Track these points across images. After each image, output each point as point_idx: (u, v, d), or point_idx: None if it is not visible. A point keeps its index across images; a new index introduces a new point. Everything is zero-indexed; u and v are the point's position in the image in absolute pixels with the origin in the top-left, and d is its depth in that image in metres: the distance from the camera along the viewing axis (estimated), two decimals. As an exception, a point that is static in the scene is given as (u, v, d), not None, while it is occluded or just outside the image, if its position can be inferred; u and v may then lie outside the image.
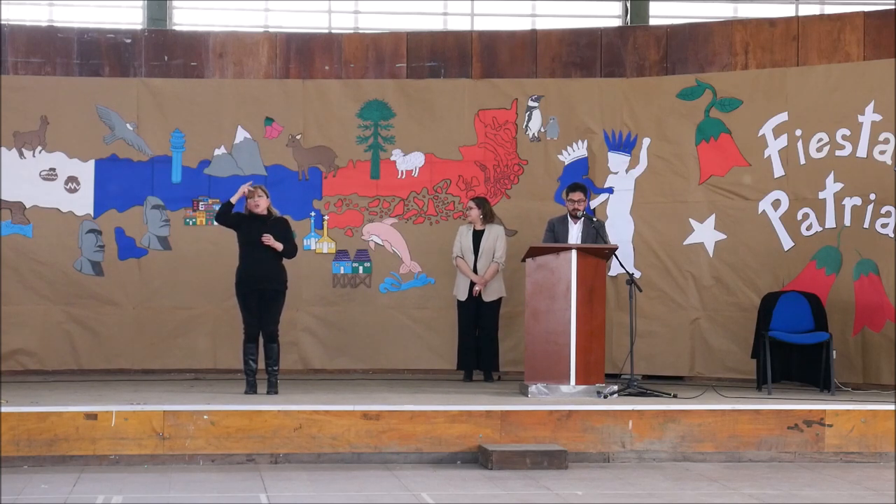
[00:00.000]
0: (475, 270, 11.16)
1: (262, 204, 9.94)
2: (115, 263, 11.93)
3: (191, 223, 12.02)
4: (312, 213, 12.08)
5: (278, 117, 12.10)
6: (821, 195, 11.26)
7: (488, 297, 11.18)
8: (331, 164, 12.12)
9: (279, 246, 9.84)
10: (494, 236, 11.25)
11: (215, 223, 10.23)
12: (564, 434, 8.75)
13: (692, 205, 11.73)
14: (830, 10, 13.26)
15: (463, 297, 11.20)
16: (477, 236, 11.23)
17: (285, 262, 10.00)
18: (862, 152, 11.08)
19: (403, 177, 12.16)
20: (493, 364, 11.29)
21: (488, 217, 11.31)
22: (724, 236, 11.63)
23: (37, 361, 11.79)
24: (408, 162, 12.16)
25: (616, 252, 10.27)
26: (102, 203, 11.96)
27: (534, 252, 9.98)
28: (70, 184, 11.93)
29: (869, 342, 10.94)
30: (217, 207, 11.71)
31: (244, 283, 9.90)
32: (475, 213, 11.27)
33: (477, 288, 11.12)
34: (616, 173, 11.96)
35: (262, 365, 9.94)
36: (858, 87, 11.13)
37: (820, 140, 11.29)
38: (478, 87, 12.14)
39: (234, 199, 9.94)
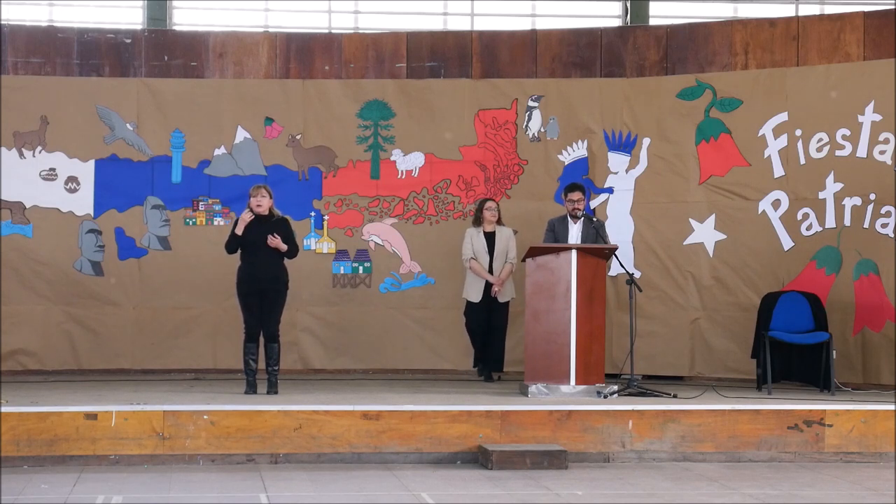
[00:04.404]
0: (490, 272, 11.14)
1: (264, 204, 9.93)
2: (115, 263, 11.93)
3: (191, 223, 12.02)
4: (312, 213, 12.08)
5: (278, 117, 12.10)
6: (821, 195, 11.26)
7: (504, 297, 11.17)
8: (331, 164, 12.12)
9: (284, 247, 9.85)
10: (506, 237, 11.23)
11: (228, 253, 10.12)
12: (564, 434, 8.75)
13: (692, 205, 11.74)
14: (830, 10, 13.27)
15: (476, 298, 11.16)
16: (488, 238, 11.21)
17: (286, 261, 10.00)
18: (862, 152, 11.08)
19: (403, 177, 12.16)
20: (500, 364, 11.29)
21: (500, 219, 11.30)
22: (724, 236, 11.63)
23: (37, 361, 11.80)
24: (408, 162, 12.16)
25: (616, 252, 10.27)
26: (102, 203, 11.96)
27: (534, 252, 9.98)
28: (70, 184, 11.93)
29: (869, 342, 10.94)
30: (217, 207, 11.72)
31: (246, 283, 9.90)
32: (496, 214, 11.23)
33: (496, 288, 11.08)
34: (616, 173, 11.96)
35: (262, 365, 9.94)
36: (858, 87, 11.14)
37: (820, 140, 11.29)
38: (478, 87, 12.15)
39: (239, 230, 9.87)
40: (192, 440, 8.48)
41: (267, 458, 8.54)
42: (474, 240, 11.21)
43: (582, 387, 9.66)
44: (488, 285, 11.12)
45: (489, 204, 11.28)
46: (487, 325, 11.20)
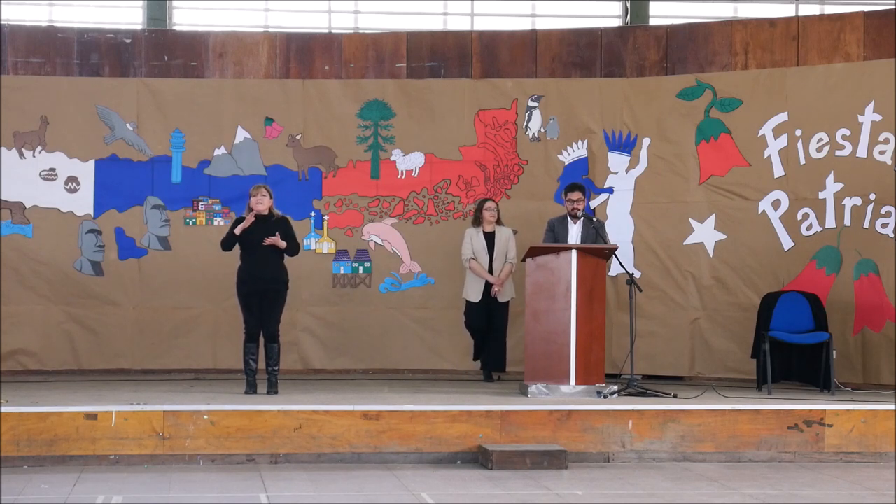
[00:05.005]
0: (490, 272, 11.13)
1: (265, 203, 9.93)
2: (115, 263, 11.93)
3: (191, 223, 12.02)
4: (312, 213, 12.08)
5: (278, 117, 12.10)
6: (821, 195, 11.27)
7: (504, 297, 11.16)
8: (331, 164, 12.12)
9: (283, 244, 9.83)
10: (506, 237, 11.23)
11: (223, 250, 10.12)
12: (564, 434, 8.75)
13: (692, 205, 11.74)
14: (830, 10, 13.27)
15: (476, 298, 11.16)
16: (488, 238, 11.21)
17: (287, 261, 9.99)
18: (862, 152, 11.08)
19: (403, 177, 12.16)
20: (501, 365, 11.28)
21: (499, 219, 11.30)
22: (724, 236, 11.63)
23: (37, 361, 11.80)
24: (408, 162, 12.16)
25: (616, 252, 10.27)
26: (102, 203, 11.96)
27: (534, 252, 9.98)
28: (70, 184, 11.93)
29: (869, 342, 10.94)
30: (217, 207, 11.72)
31: (246, 282, 9.90)
32: (495, 214, 11.22)
33: (495, 288, 11.08)
34: (616, 173, 11.96)
35: (262, 365, 9.94)
36: (858, 87, 11.14)
37: (820, 140, 11.29)
38: (478, 87, 12.15)
39: (238, 231, 9.87)
40: (192, 440, 8.48)
41: (267, 458, 8.54)
42: (474, 240, 11.21)
43: (582, 387, 9.66)
44: (488, 285, 11.12)
45: (488, 204, 11.28)
46: (487, 325, 11.20)
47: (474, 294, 11.17)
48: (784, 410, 9.00)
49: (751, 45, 11.67)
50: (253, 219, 9.80)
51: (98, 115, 11.98)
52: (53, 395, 9.61)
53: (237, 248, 9.98)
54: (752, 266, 11.53)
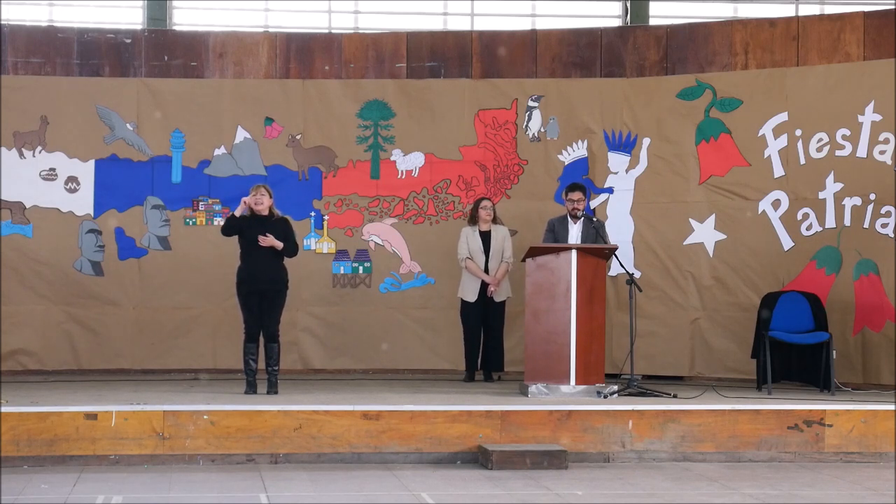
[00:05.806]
0: (486, 271, 11.13)
1: (265, 203, 9.93)
2: (115, 263, 11.93)
3: (191, 223, 12.02)
4: (312, 213, 12.08)
5: (278, 117, 12.10)
6: (821, 195, 11.27)
7: (500, 297, 11.16)
8: (331, 164, 12.12)
9: (279, 245, 9.84)
10: (502, 236, 11.23)
11: (223, 236, 10.16)
12: (564, 434, 8.75)
13: (692, 205, 11.74)
14: (830, 10, 13.26)
15: (472, 298, 11.16)
16: (484, 237, 11.21)
17: (286, 261, 10.00)
18: (862, 152, 11.08)
19: (403, 177, 12.16)
20: (499, 364, 11.28)
21: (496, 218, 11.30)
22: (724, 236, 11.63)
23: (37, 361, 11.80)
24: (408, 162, 12.16)
25: (616, 252, 10.27)
26: (102, 203, 11.96)
27: (534, 252, 9.98)
28: (70, 184, 11.93)
29: (869, 342, 10.94)
30: (217, 207, 11.73)
31: (246, 282, 9.90)
32: (491, 213, 11.22)
33: (492, 288, 11.08)
34: (616, 173, 11.96)
35: (262, 365, 9.94)
36: (858, 87, 11.14)
37: (820, 140, 11.29)
38: (478, 87, 12.14)
39: (237, 213, 9.90)
40: (192, 440, 8.48)
41: (267, 458, 8.54)
42: (470, 239, 11.21)
43: (582, 387, 9.66)
44: (484, 285, 11.12)
45: (484, 203, 11.29)
46: (484, 324, 11.20)
47: (471, 293, 11.17)
48: (784, 410, 9.00)
49: (751, 45, 11.68)
50: (247, 209, 9.81)
51: (98, 115, 11.99)
52: (53, 395, 9.61)
53: (237, 249, 9.99)
54: (752, 266, 11.53)
